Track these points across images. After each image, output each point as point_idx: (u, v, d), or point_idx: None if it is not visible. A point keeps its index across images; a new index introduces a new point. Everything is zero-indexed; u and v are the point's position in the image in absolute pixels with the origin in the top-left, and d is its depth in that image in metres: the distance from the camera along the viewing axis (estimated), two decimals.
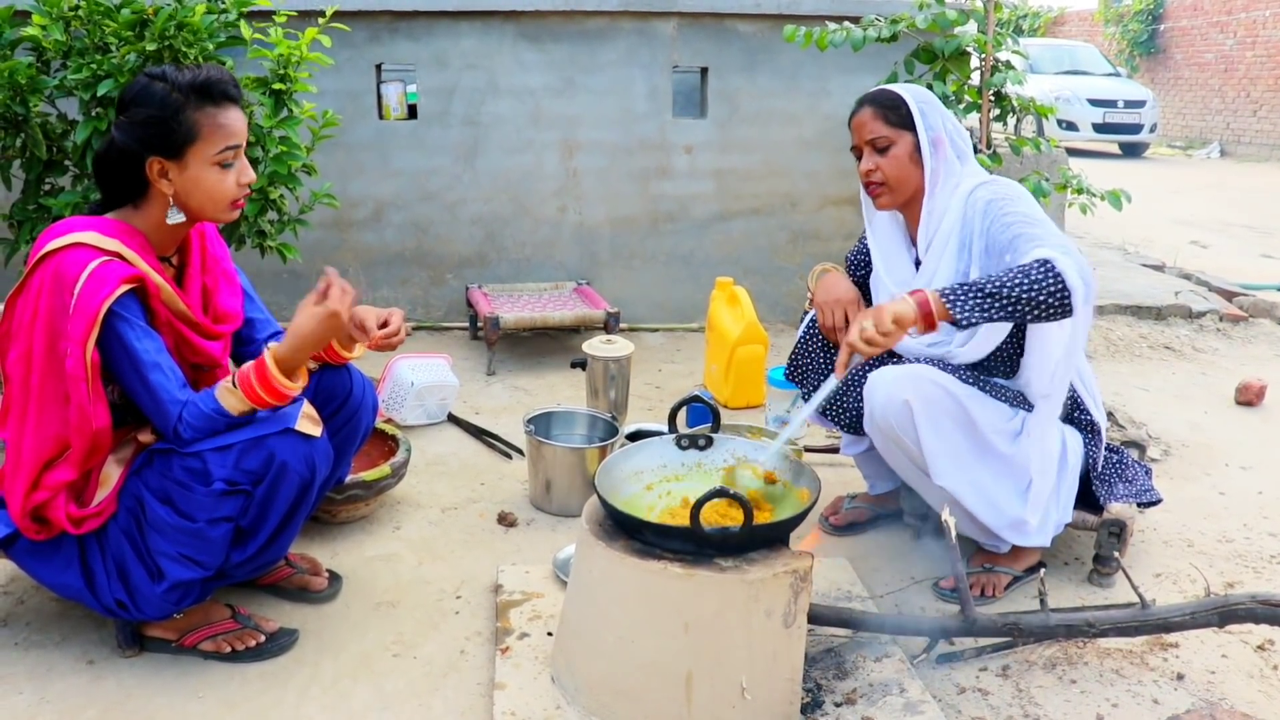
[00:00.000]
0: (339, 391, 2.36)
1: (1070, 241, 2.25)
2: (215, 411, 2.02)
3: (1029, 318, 2.13)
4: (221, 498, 2.02)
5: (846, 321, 2.61)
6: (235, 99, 2.07)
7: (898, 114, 2.45)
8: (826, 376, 2.72)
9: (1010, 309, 2.11)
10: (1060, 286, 2.10)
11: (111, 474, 2.07)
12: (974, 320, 2.11)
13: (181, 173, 2.02)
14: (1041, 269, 2.12)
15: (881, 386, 2.36)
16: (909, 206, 2.53)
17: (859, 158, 2.52)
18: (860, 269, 2.80)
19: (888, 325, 2.10)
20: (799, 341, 2.77)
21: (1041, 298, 2.10)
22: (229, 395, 2.03)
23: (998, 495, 2.39)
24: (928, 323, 2.12)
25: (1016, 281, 2.11)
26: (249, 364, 2.06)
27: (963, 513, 2.44)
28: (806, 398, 2.79)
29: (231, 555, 2.11)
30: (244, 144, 2.09)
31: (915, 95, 2.47)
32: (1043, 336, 2.39)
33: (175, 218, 2.05)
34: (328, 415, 2.29)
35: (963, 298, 2.11)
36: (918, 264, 2.55)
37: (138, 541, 2.07)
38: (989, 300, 2.10)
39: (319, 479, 2.15)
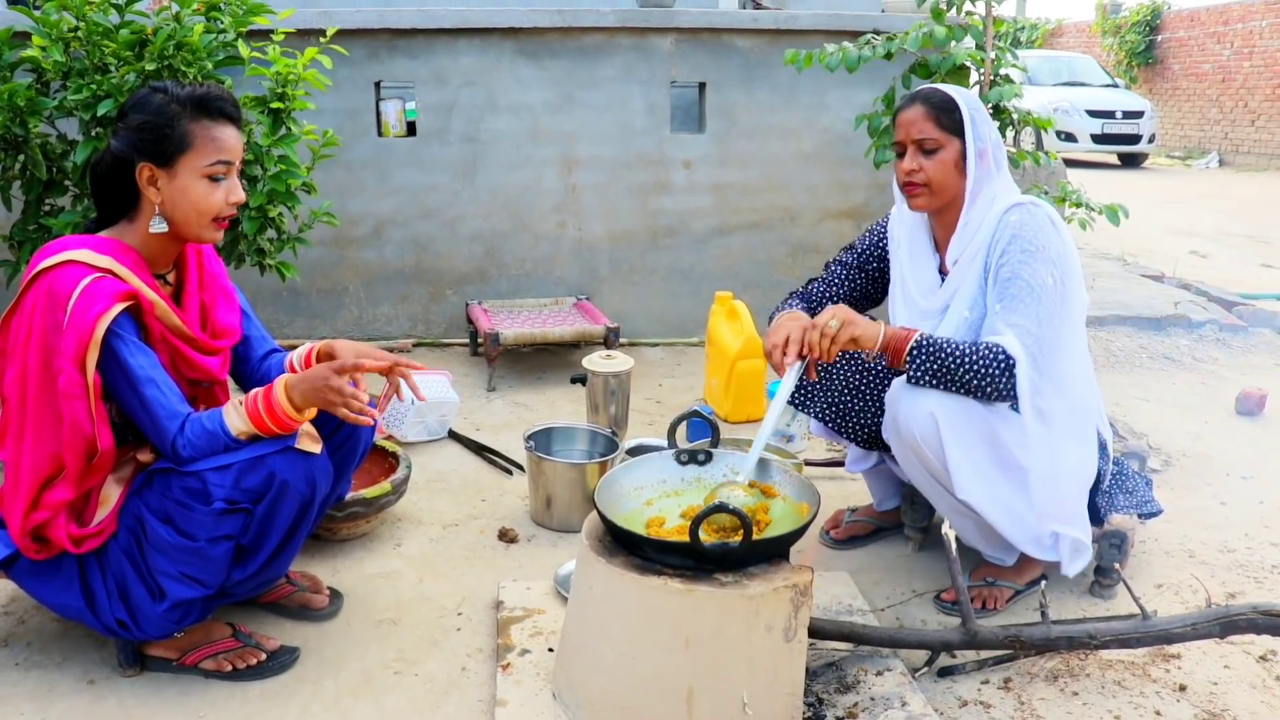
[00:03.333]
0: None
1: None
2: (220, 429, 2.03)
3: (972, 397, 2.29)
4: (222, 516, 2.02)
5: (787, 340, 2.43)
6: (233, 118, 2.10)
7: (950, 118, 2.39)
8: (830, 397, 2.71)
9: (957, 387, 2.27)
10: (1009, 388, 2.25)
11: (111, 493, 2.08)
12: (920, 381, 2.29)
13: (170, 181, 2.04)
14: (1001, 365, 2.24)
15: (906, 396, 2.34)
16: (940, 212, 2.49)
17: (901, 154, 2.44)
18: (871, 261, 2.71)
19: (843, 335, 2.25)
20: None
21: (988, 388, 2.26)
22: (234, 416, 2.04)
23: (1020, 509, 2.37)
24: (894, 360, 2.30)
25: (974, 367, 2.24)
26: (257, 390, 2.08)
27: (976, 525, 2.43)
28: (816, 414, 2.74)
29: (233, 573, 2.11)
30: (237, 163, 2.11)
31: (968, 101, 2.42)
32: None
33: (158, 226, 2.06)
34: (328, 433, 2.29)
35: (921, 357, 2.26)
36: (941, 272, 2.53)
37: (138, 561, 2.07)
38: (942, 371, 2.26)
39: (319, 497, 2.16)
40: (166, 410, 2.01)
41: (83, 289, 1.93)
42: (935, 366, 2.25)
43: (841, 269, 2.74)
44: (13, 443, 2.02)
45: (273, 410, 2.03)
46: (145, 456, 2.13)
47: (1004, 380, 2.24)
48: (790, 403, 2.74)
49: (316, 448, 2.12)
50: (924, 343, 2.26)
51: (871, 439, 2.71)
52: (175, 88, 2.06)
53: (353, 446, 2.41)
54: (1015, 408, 2.30)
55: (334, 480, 2.29)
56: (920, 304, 2.54)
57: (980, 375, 2.24)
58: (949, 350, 2.25)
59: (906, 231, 2.60)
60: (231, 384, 2.38)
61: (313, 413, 2.10)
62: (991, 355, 2.24)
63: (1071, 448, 2.43)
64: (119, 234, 2.09)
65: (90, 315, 1.92)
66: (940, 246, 2.54)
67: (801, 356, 2.27)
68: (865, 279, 2.73)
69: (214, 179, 2.07)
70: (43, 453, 2.00)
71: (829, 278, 2.75)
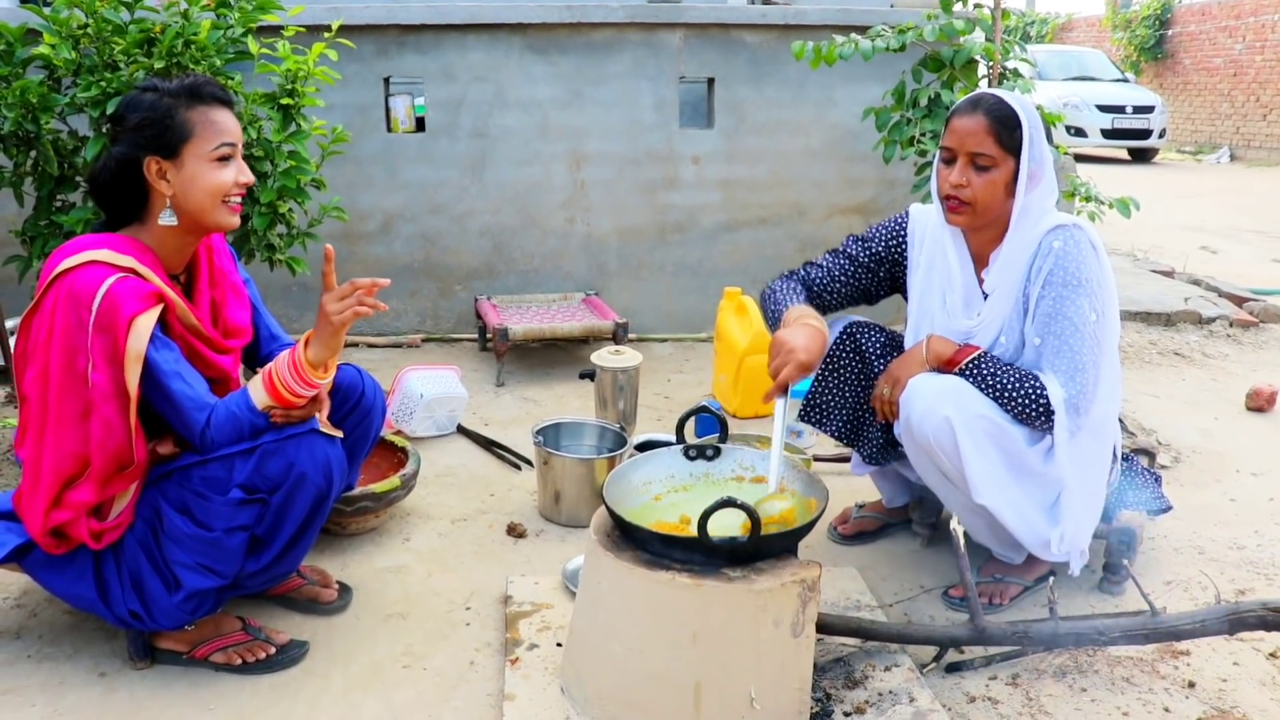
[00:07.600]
0: (352, 394, 2.39)
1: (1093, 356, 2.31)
2: (244, 406, 2.05)
3: (1009, 414, 2.34)
4: (238, 506, 2.05)
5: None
6: (226, 101, 2.12)
7: (1011, 136, 2.28)
8: (845, 414, 2.68)
9: (1001, 406, 2.33)
10: (1045, 429, 2.32)
11: (129, 487, 2.09)
12: (969, 381, 2.36)
13: (179, 171, 2.05)
14: (1041, 409, 2.28)
15: (920, 399, 2.31)
16: (978, 227, 2.42)
17: (948, 160, 2.35)
18: (884, 265, 2.61)
19: (899, 392, 2.39)
20: (814, 382, 2.69)
21: (1026, 417, 2.31)
22: (258, 390, 2.06)
23: (1032, 513, 2.36)
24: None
25: (1014, 401, 2.30)
26: (281, 356, 2.08)
27: (987, 523, 2.42)
28: (832, 432, 2.71)
29: (246, 565, 2.12)
30: (239, 144, 2.12)
31: (1030, 118, 2.30)
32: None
33: (168, 219, 2.07)
34: (340, 417, 2.31)
35: (968, 375, 2.35)
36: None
37: (154, 552, 2.08)
38: (989, 390, 2.32)
39: (335, 491, 2.17)
40: (194, 403, 2.03)
41: (108, 289, 1.94)
42: (982, 387, 2.33)
43: (849, 264, 2.61)
44: (33, 442, 2.03)
45: (297, 368, 2.04)
46: (166, 449, 2.15)
47: (1040, 423, 2.31)
48: (805, 420, 2.74)
49: (338, 434, 2.15)
50: (980, 362, 2.35)
51: (878, 455, 2.65)
52: (163, 84, 2.08)
53: (364, 431, 2.43)
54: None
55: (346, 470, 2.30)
56: (959, 319, 2.47)
57: (1019, 410, 2.30)
58: (1002, 372, 2.32)
59: (949, 237, 2.49)
60: (244, 381, 2.39)
61: (332, 374, 2.11)
62: (1035, 397, 2.28)
63: (1091, 467, 2.44)
64: (134, 233, 2.10)
65: (121, 317, 1.93)
66: (975, 258, 2.48)
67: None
68: (872, 281, 2.63)
69: (222, 160, 2.08)
70: (64, 452, 2.01)
71: (832, 269, 2.62)
